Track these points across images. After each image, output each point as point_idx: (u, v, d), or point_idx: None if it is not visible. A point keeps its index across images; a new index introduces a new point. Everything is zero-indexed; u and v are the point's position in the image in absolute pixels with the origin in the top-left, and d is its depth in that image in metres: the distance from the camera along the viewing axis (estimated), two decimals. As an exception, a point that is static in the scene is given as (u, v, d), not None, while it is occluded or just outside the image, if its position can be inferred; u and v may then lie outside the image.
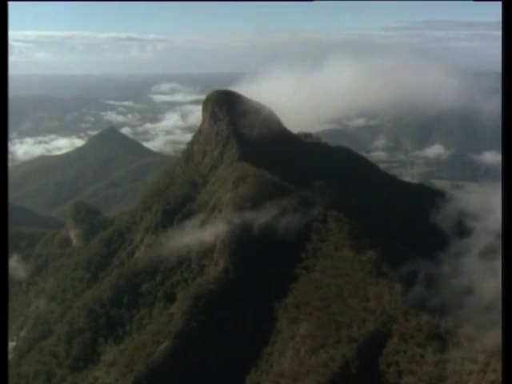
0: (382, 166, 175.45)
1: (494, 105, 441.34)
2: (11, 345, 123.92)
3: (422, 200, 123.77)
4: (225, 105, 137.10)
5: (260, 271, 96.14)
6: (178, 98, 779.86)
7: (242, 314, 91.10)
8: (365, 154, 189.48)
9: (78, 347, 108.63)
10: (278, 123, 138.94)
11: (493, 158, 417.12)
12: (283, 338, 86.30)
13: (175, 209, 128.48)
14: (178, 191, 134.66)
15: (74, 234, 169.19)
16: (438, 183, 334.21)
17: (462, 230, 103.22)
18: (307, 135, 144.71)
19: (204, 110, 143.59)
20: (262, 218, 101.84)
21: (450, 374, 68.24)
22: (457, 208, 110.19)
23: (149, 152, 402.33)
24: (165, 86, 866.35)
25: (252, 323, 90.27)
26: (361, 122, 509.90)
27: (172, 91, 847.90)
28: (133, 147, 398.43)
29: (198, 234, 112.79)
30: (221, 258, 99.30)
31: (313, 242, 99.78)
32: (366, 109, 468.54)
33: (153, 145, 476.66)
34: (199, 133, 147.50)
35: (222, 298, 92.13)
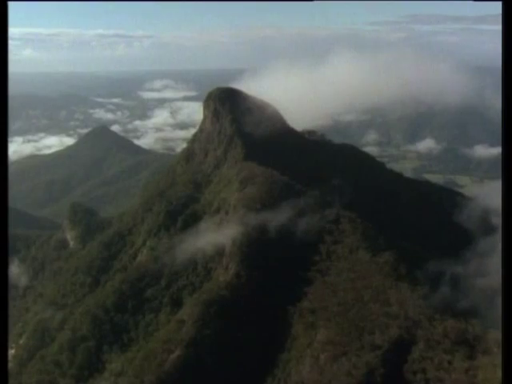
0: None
1: (484, 99, 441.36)
2: (10, 353, 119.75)
3: (433, 197, 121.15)
4: (227, 102, 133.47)
5: (272, 275, 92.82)
6: (167, 94, 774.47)
7: (255, 320, 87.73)
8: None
9: (81, 355, 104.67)
10: (282, 121, 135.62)
11: (484, 151, 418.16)
12: (300, 344, 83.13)
13: (178, 210, 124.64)
14: (180, 191, 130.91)
15: (70, 236, 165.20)
16: (431, 177, 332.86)
17: (486, 227, 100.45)
18: (311, 133, 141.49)
19: (205, 107, 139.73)
20: (272, 219, 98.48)
21: (481, 382, 65.48)
22: (476, 204, 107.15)
23: (140, 150, 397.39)
24: (153, 83, 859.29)
25: (266, 329, 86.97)
26: (351, 117, 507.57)
27: (161, 88, 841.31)
28: (124, 145, 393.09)
29: (204, 236, 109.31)
30: (232, 262, 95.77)
31: (326, 243, 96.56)
32: (356, 103, 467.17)
33: (143, 142, 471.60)
34: (200, 131, 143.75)
35: (235, 304, 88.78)
